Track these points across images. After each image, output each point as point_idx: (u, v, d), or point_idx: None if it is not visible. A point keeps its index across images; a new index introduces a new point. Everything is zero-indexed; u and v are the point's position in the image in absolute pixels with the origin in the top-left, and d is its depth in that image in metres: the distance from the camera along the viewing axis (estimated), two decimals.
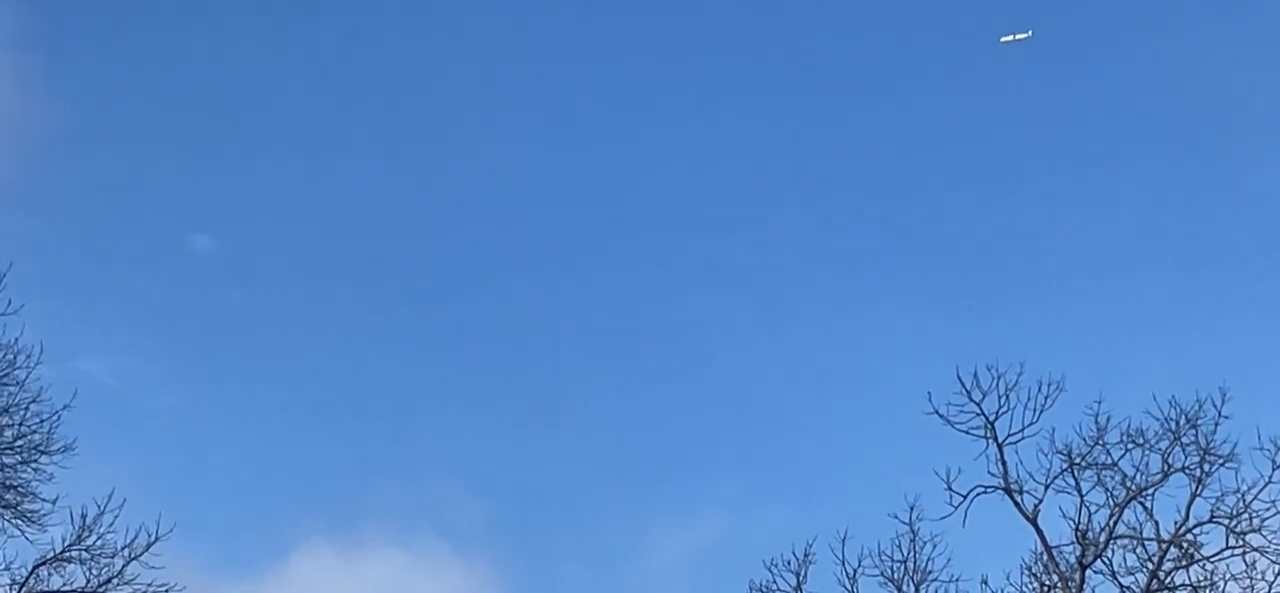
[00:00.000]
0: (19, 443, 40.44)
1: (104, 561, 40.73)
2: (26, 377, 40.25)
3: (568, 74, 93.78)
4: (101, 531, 40.58)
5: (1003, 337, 69.85)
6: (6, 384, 40.20)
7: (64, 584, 40.87)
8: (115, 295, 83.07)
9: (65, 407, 40.76)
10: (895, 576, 41.51)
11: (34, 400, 40.40)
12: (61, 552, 40.62)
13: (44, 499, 40.83)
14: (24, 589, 40.64)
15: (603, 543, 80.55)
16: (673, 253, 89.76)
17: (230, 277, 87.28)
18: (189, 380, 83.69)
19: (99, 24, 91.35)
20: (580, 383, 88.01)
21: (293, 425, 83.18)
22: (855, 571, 41.71)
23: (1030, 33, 64.51)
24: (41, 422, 40.56)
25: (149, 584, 40.83)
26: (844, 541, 41.83)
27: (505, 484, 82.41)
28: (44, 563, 40.74)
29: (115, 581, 40.77)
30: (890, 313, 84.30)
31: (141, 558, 40.73)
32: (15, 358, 40.22)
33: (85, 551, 40.66)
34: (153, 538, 40.79)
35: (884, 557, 41.62)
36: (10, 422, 40.37)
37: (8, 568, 40.62)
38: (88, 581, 40.87)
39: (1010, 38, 64.67)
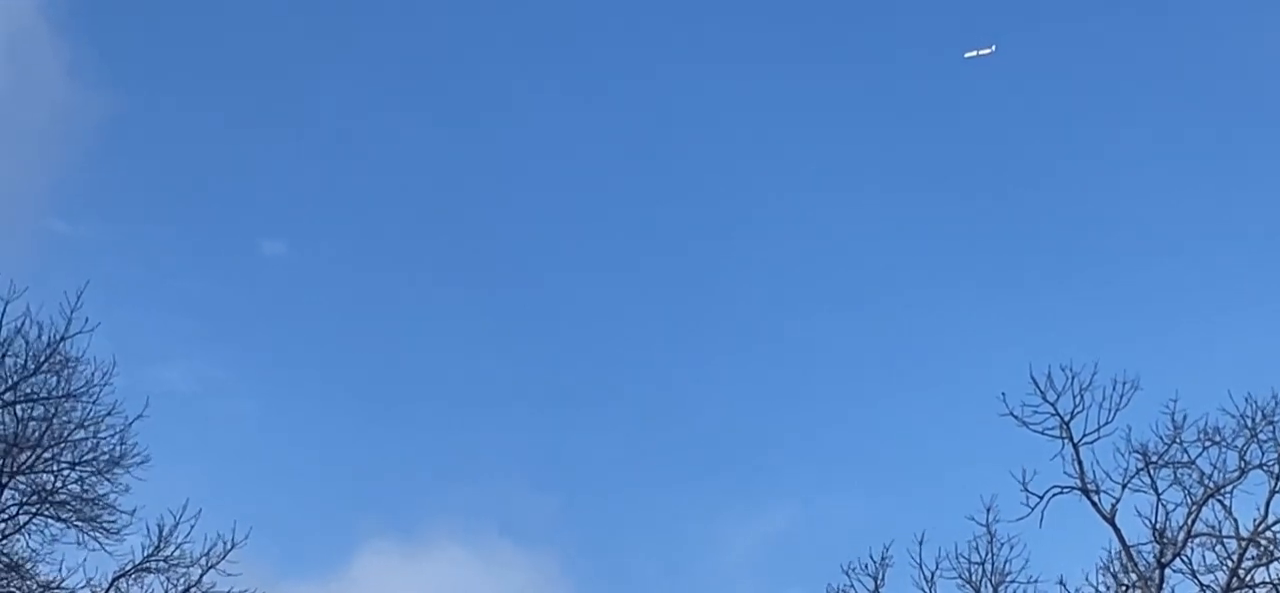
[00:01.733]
0: (95, 456, 40.59)
1: (182, 570, 41.03)
2: (101, 390, 40.34)
3: (628, 49, 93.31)
4: (179, 541, 40.91)
5: (1075, 334, 69.37)
6: (82, 398, 40.34)
7: None
8: (188, 302, 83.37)
9: (138, 417, 40.94)
10: (973, 578, 41.43)
11: (109, 413, 40.60)
12: (140, 563, 40.87)
13: (122, 511, 41.04)
14: None
15: (670, 537, 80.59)
16: (741, 235, 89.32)
17: (300, 281, 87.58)
18: (260, 385, 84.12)
19: (150, 11, 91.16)
20: (648, 373, 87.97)
21: (359, 427, 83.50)
22: (933, 574, 41.63)
23: (993, 47, 64.16)
24: (116, 434, 40.68)
25: (226, 592, 41.07)
26: (921, 543, 41.82)
27: (570, 479, 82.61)
28: (123, 575, 40.96)
29: (193, 590, 41.02)
30: (961, 299, 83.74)
31: (218, 567, 40.99)
32: (91, 372, 40.32)
33: (163, 561, 40.94)
34: (229, 546, 41.07)
35: (961, 559, 41.56)
36: (87, 435, 40.55)
37: (88, 581, 40.88)
38: (166, 590, 41.16)
39: (974, 53, 64.44)
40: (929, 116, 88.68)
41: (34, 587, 40.78)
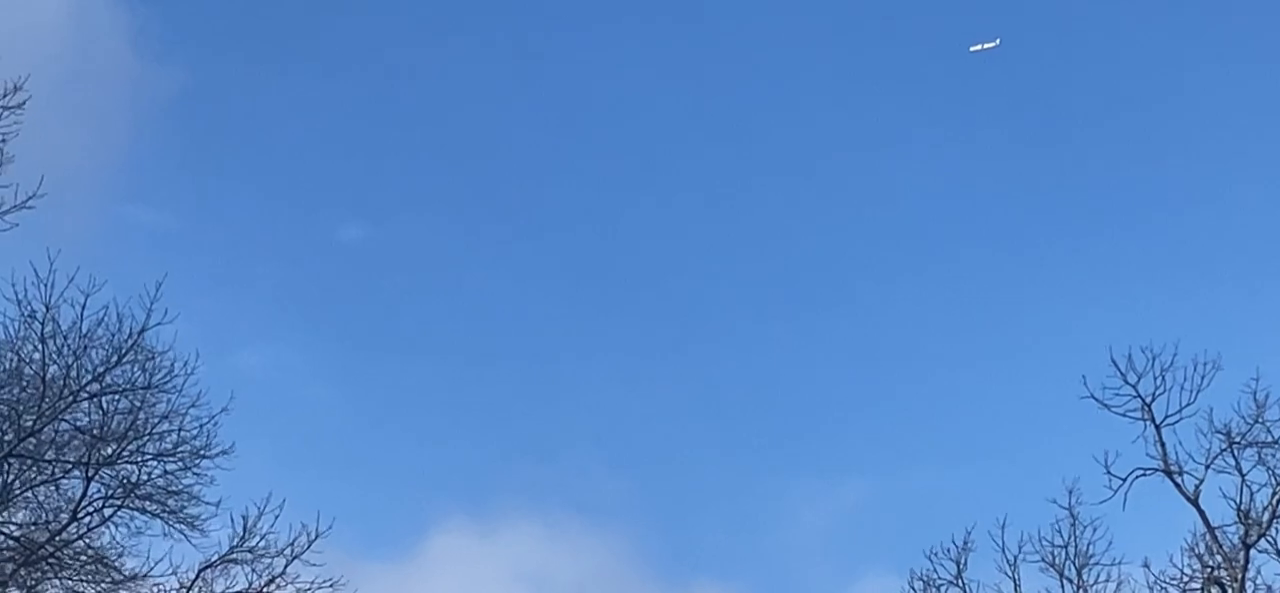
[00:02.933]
0: (180, 449, 40.61)
1: (266, 561, 41.10)
2: (185, 381, 40.36)
3: (692, 16, 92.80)
4: (263, 531, 40.96)
5: (1155, 315, 69.21)
6: (166, 391, 40.35)
7: (228, 586, 41.25)
8: (267, 288, 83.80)
9: (222, 410, 40.82)
10: (1056, 561, 41.40)
11: (193, 405, 40.53)
12: (225, 554, 40.95)
13: (206, 501, 41.03)
14: (190, 592, 41.03)
15: (743, 513, 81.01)
16: (816, 190, 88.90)
17: (377, 265, 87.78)
18: (336, 369, 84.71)
19: None
20: (720, 347, 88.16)
21: (433, 409, 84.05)
22: (1016, 557, 41.60)
23: (997, 41, 63.90)
24: (200, 426, 40.71)
25: (311, 582, 41.11)
26: (1003, 527, 41.80)
27: (643, 456, 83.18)
28: (209, 566, 41.03)
29: (279, 580, 41.13)
30: (1039, 273, 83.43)
31: (303, 557, 41.08)
32: (174, 364, 40.33)
33: (248, 551, 41.01)
34: (313, 536, 41.07)
35: (1044, 542, 41.53)
36: (171, 428, 40.54)
37: (174, 572, 40.95)
38: (251, 581, 41.27)
39: (979, 47, 64.19)
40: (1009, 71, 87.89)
41: (120, 579, 40.96)
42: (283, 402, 78.57)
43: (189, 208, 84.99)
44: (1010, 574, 41.71)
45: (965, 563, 42.11)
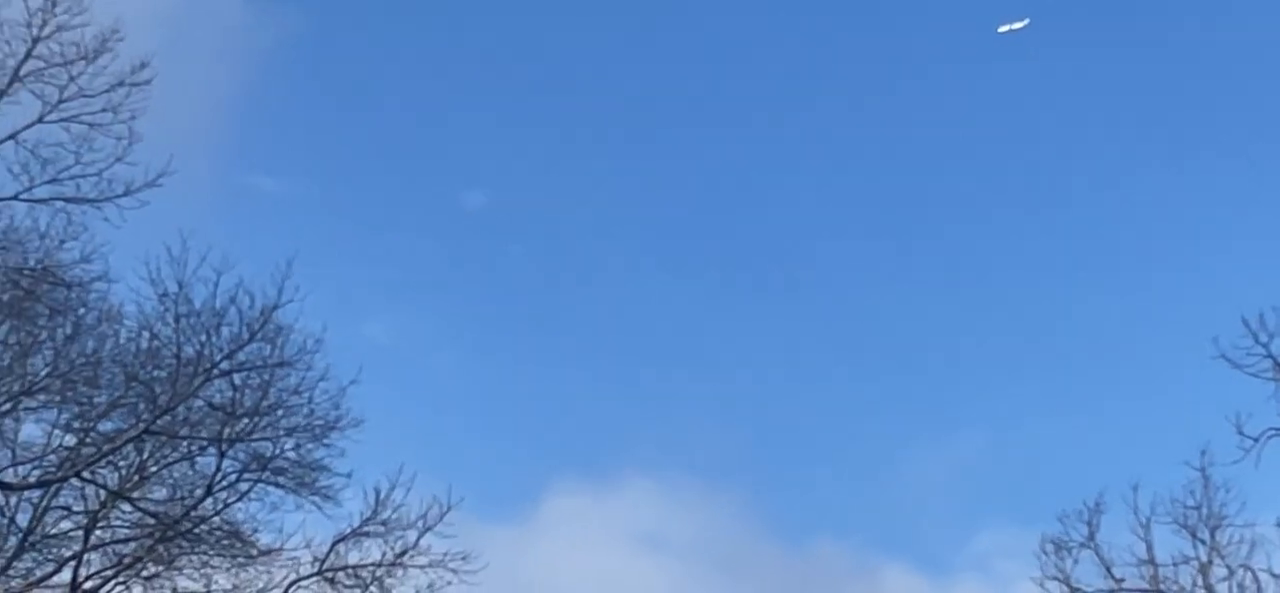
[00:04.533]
0: (311, 423, 40.96)
1: (398, 533, 41.52)
2: (314, 356, 40.67)
3: None
4: (396, 504, 41.36)
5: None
6: (296, 366, 40.66)
7: (361, 558, 41.69)
8: (392, 257, 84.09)
9: (351, 383, 41.14)
10: (1188, 522, 41.20)
11: (323, 379, 40.86)
12: (358, 527, 41.41)
13: (338, 474, 41.41)
14: (324, 565, 41.47)
15: (858, 468, 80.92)
16: (928, 137, 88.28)
17: (499, 231, 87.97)
18: (458, 336, 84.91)
19: None
20: (834, 301, 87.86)
21: (550, 372, 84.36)
22: (1148, 519, 41.42)
23: (1027, 21, 63.08)
24: (331, 400, 41.03)
25: (443, 554, 41.49)
26: (1135, 490, 41.65)
27: (757, 415, 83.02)
28: (342, 539, 41.53)
29: (411, 552, 41.50)
30: (1170, 212, 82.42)
31: (435, 529, 41.45)
32: (303, 340, 40.63)
33: (381, 524, 41.43)
34: (445, 509, 41.49)
35: (1176, 503, 41.34)
36: (302, 402, 40.87)
37: (308, 544, 41.45)
38: (383, 554, 41.67)
39: (1007, 27, 63.43)
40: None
41: (255, 553, 41.43)
42: (406, 370, 78.76)
43: (312, 176, 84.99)
44: (1143, 536, 41.52)
45: (1097, 526, 41.95)
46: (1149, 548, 41.70)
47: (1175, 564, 41.76)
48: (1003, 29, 63.64)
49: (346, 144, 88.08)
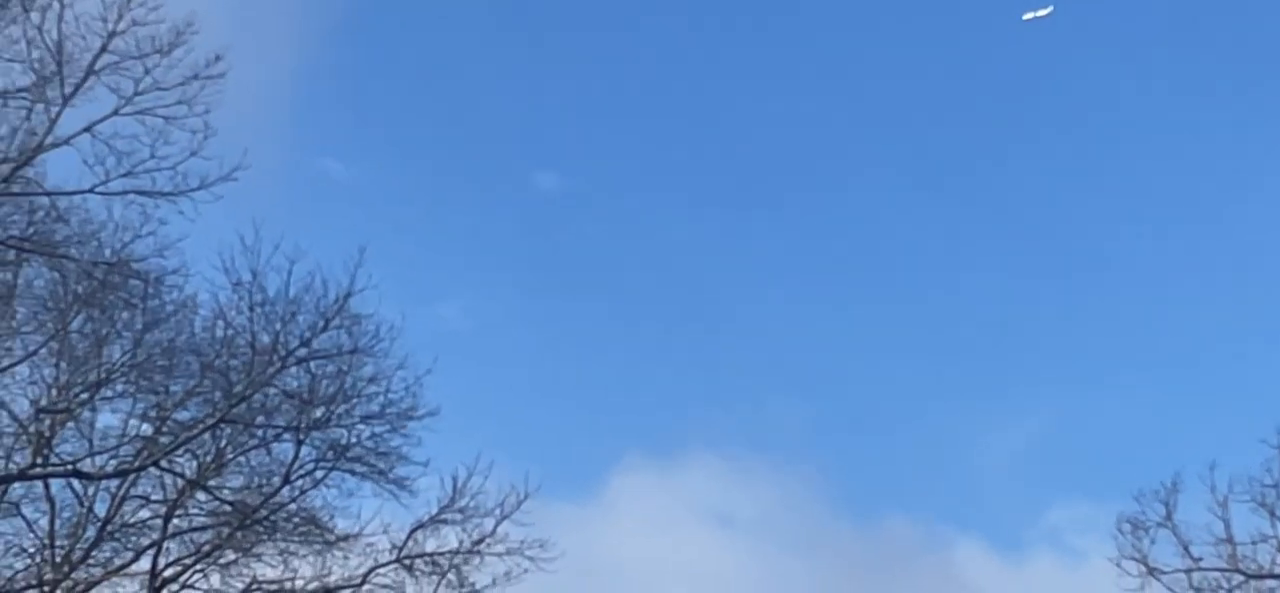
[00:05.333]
0: (387, 411, 41.04)
1: (476, 521, 41.58)
2: (391, 344, 40.73)
3: None
4: (473, 491, 41.42)
5: None
6: (372, 354, 40.74)
7: (439, 545, 41.78)
8: (465, 238, 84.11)
9: (427, 372, 41.17)
10: (1267, 501, 40.92)
11: (399, 368, 40.91)
12: (436, 514, 41.48)
13: (414, 462, 41.48)
14: (402, 552, 41.57)
15: (928, 444, 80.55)
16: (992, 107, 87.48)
17: (571, 211, 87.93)
18: (528, 317, 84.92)
19: None
20: (902, 276, 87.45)
21: (618, 351, 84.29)
22: (1225, 498, 41.14)
23: (1051, 8, 62.43)
24: (406, 388, 41.07)
25: (521, 541, 41.53)
26: (1212, 468, 41.36)
27: (824, 391, 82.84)
28: (420, 526, 41.62)
29: (488, 540, 41.57)
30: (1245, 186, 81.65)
31: (512, 516, 41.51)
32: (378, 327, 40.70)
33: (458, 511, 41.49)
34: (522, 496, 41.53)
35: (1254, 482, 41.07)
36: (378, 390, 40.95)
37: (386, 531, 41.56)
38: (461, 541, 41.73)
39: (1032, 15, 62.82)
40: None
41: (332, 540, 41.54)
42: (479, 352, 78.84)
43: (382, 158, 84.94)
44: (1221, 514, 41.23)
45: (1174, 505, 41.67)
46: (1227, 527, 41.45)
47: (1253, 543, 41.53)
48: (1028, 17, 63.37)
49: (416, 126, 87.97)
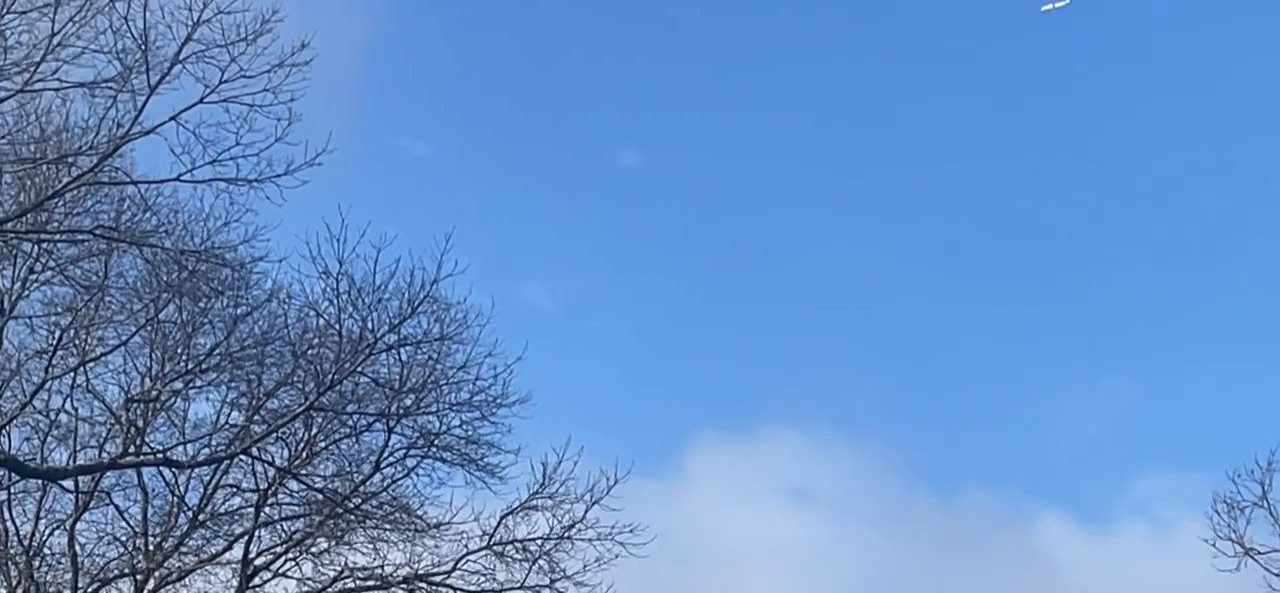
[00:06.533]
0: (476, 399, 40.92)
1: (567, 507, 41.41)
2: (480, 332, 40.59)
3: None
4: (563, 477, 41.25)
5: None
6: (461, 341, 40.61)
7: (530, 531, 41.68)
8: (548, 216, 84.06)
9: (517, 360, 40.90)
10: None
11: (489, 355, 40.73)
12: (526, 501, 41.37)
13: (505, 449, 41.33)
14: (492, 539, 41.49)
15: (1008, 418, 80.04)
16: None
17: (656, 187, 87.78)
18: (617, 295, 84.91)
19: None
20: (988, 243, 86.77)
21: (697, 327, 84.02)
22: None
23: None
24: (496, 376, 40.90)
25: (612, 527, 41.35)
26: None
27: (906, 362, 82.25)
28: (510, 513, 41.52)
29: (579, 526, 41.41)
30: None
31: (602, 502, 41.32)
32: (466, 314, 40.54)
33: (549, 498, 41.36)
34: (612, 482, 41.30)
35: None
36: (468, 377, 40.81)
37: (476, 518, 41.47)
38: (551, 527, 41.62)
39: (1050, 6, 61.79)
40: None
41: (423, 527, 41.52)
42: (563, 330, 78.85)
43: (463, 136, 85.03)
44: None
45: (1270, 485, 40.88)
46: None
47: None
48: (1046, 8, 62.69)
49: (495, 102, 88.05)
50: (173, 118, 33.15)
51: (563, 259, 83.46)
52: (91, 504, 41.10)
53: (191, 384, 40.60)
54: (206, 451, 40.16)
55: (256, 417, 40.16)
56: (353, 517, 41.40)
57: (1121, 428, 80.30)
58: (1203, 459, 76.34)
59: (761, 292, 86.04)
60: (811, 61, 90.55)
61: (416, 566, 41.73)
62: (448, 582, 41.70)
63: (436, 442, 40.95)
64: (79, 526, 40.85)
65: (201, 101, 33.19)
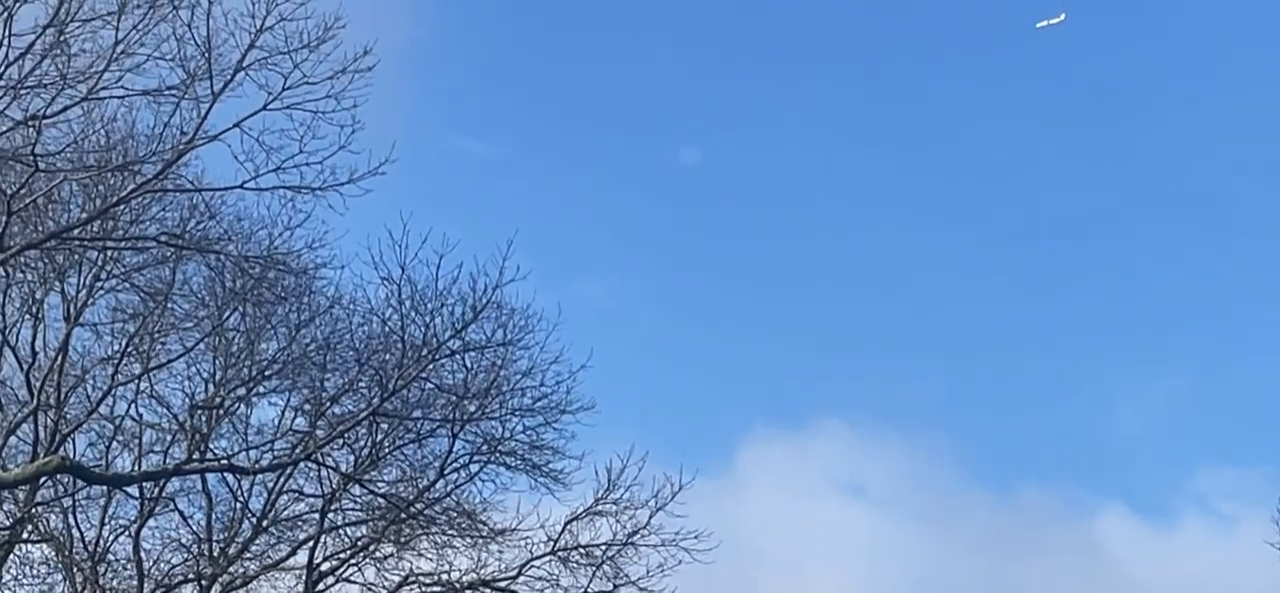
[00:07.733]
0: (540, 405, 40.79)
1: (630, 513, 41.27)
2: (547, 336, 40.44)
3: None
4: (627, 483, 41.14)
5: None
6: (525, 347, 40.48)
7: (594, 537, 41.57)
8: (608, 215, 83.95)
9: (581, 368, 40.77)
10: None
11: (554, 361, 40.62)
12: (590, 507, 41.24)
13: (569, 456, 41.22)
14: (556, 545, 41.38)
15: (1063, 412, 79.44)
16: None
17: (716, 186, 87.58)
18: (677, 293, 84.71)
19: None
20: (1041, 236, 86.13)
21: (751, 324, 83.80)
22: None
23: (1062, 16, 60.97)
24: (561, 383, 40.75)
25: (676, 533, 41.20)
26: None
27: (954, 357, 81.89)
28: (575, 518, 41.42)
29: (643, 531, 41.26)
30: None
31: (667, 508, 41.16)
32: (528, 319, 40.39)
33: (613, 504, 41.25)
34: (676, 488, 41.16)
35: None
36: (532, 383, 40.69)
37: (541, 525, 41.37)
38: (615, 533, 41.49)
39: (1045, 23, 61.44)
40: None
41: (488, 533, 41.44)
42: (622, 328, 78.72)
43: (521, 136, 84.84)
44: None
45: None
46: None
47: None
48: (1041, 25, 62.52)
49: (556, 103, 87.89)
50: (236, 125, 33.07)
51: (623, 259, 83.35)
52: (156, 510, 41.16)
53: (255, 390, 40.60)
54: (270, 456, 40.06)
55: (320, 422, 40.09)
56: (417, 522, 41.37)
57: (1180, 420, 79.66)
58: (1264, 453, 75.81)
59: (812, 286, 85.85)
60: (870, 59, 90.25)
61: (481, 571, 41.66)
62: (512, 588, 41.71)
63: (500, 447, 40.90)
64: (144, 531, 40.91)
65: (265, 108, 33.10)
